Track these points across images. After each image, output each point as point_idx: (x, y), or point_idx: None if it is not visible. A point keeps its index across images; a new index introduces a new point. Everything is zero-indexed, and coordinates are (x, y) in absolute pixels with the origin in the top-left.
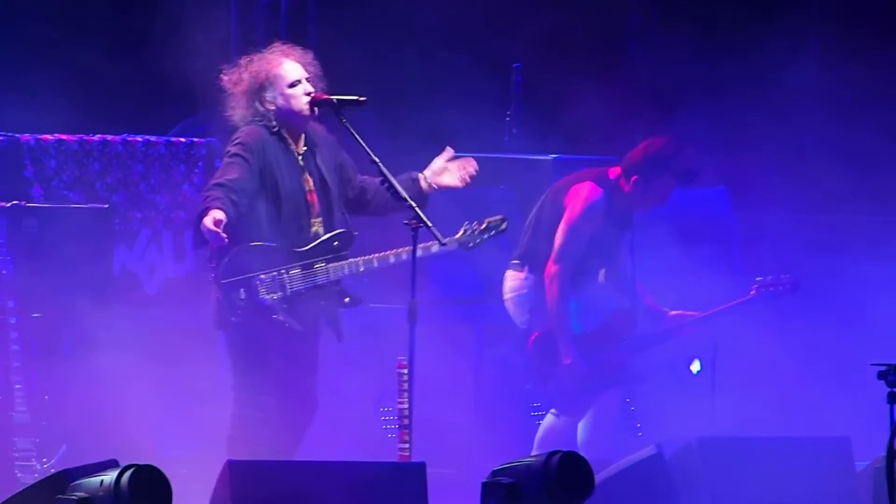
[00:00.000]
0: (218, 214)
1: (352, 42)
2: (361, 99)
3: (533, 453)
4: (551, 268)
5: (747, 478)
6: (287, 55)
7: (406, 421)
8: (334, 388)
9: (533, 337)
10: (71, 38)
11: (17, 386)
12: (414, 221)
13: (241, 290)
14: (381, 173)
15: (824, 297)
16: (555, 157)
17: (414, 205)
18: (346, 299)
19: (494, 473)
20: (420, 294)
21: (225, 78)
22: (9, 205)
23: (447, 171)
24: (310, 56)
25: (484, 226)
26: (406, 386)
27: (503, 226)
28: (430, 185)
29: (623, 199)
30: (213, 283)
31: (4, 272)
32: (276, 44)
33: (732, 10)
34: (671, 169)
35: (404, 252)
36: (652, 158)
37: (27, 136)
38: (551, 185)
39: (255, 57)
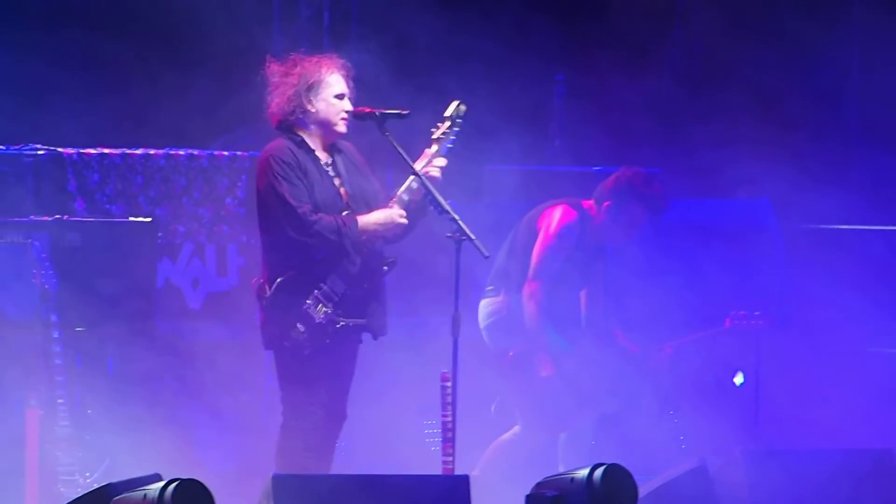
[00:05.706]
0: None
1: (393, 55)
2: (404, 112)
3: (482, 464)
4: (529, 286)
5: (791, 491)
6: (339, 69)
7: (450, 434)
8: (377, 402)
9: (511, 354)
10: (114, 52)
11: (61, 400)
12: (457, 234)
13: (298, 325)
14: (424, 185)
15: (869, 310)
16: (598, 169)
17: (457, 217)
18: (384, 267)
19: (538, 486)
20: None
21: (274, 66)
22: (52, 219)
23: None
24: (352, 72)
25: (447, 123)
26: (450, 399)
27: (462, 107)
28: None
29: (594, 228)
30: (265, 307)
31: (48, 286)
32: (330, 53)
33: (778, 23)
34: (643, 196)
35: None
36: (625, 184)
37: (70, 150)
38: (526, 214)
39: (308, 57)
